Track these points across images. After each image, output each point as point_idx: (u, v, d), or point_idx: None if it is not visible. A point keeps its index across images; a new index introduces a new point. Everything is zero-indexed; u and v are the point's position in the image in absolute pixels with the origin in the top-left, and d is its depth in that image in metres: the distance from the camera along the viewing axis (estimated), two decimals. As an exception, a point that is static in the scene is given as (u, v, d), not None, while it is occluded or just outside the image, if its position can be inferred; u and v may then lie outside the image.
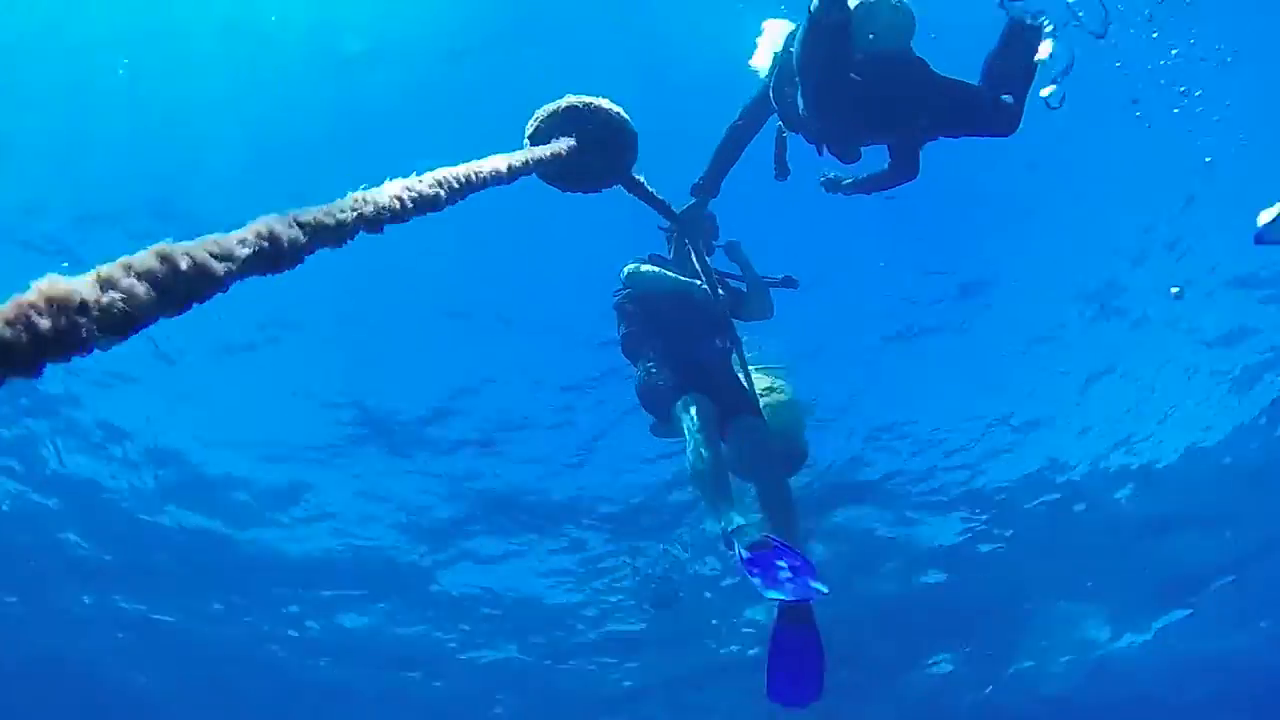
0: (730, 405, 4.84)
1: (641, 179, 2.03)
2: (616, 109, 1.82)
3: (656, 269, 5.21)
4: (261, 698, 15.94)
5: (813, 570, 3.74)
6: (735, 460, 4.78)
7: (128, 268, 0.61)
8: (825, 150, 4.55)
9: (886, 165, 4.71)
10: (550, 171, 1.74)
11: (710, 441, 4.50)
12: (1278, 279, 10.53)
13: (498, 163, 1.35)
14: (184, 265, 0.66)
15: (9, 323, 0.51)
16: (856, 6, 3.93)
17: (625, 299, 5.35)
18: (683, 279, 5.07)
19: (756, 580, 3.73)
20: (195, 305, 0.68)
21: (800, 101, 4.32)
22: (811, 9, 3.84)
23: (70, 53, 8.97)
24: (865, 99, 4.13)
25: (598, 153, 1.78)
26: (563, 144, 1.68)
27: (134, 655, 14.86)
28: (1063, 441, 12.26)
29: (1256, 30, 8.34)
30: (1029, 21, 4.08)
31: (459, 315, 11.06)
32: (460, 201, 1.22)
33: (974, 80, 4.23)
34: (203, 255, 0.68)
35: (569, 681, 15.52)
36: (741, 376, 4.98)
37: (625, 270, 5.32)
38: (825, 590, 3.66)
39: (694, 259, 4.78)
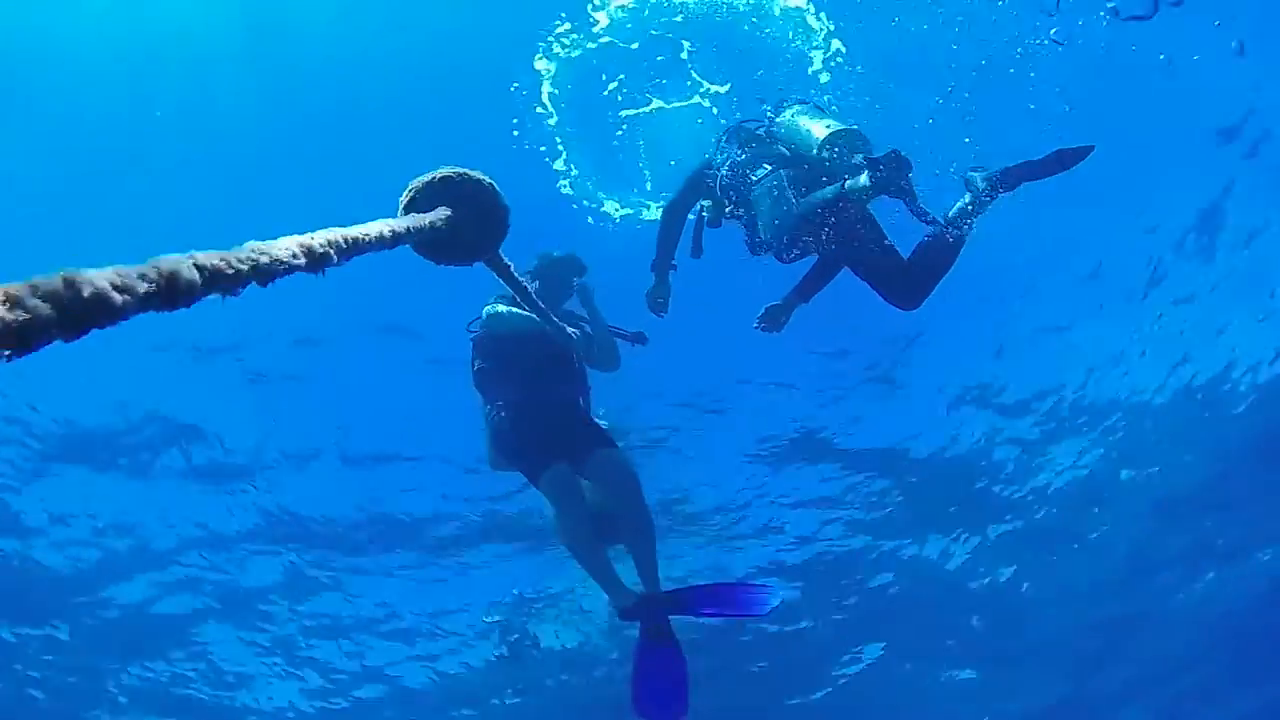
0: (583, 442, 5.05)
1: (508, 262, 2.09)
2: (489, 180, 1.87)
3: (515, 311, 5.32)
4: None
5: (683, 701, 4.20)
6: (599, 492, 4.98)
7: (34, 289, 0.61)
8: (761, 253, 5.01)
9: (814, 265, 5.20)
10: (424, 241, 1.77)
11: (577, 520, 4.71)
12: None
13: (382, 227, 1.37)
14: (86, 293, 0.66)
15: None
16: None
17: (483, 336, 5.45)
18: (536, 319, 5.11)
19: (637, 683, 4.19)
20: (92, 331, 0.68)
21: (767, 223, 4.70)
22: (852, 187, 4.20)
23: None
24: (834, 237, 4.65)
25: (471, 225, 1.82)
26: (440, 214, 1.71)
27: None
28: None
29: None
30: (964, 230, 4.61)
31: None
32: (345, 262, 1.23)
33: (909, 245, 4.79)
34: (104, 285, 0.68)
35: None
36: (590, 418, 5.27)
37: (484, 310, 5.45)
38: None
39: (533, 305, 4.94)
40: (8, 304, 0.58)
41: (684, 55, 7.47)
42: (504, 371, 5.35)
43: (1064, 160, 4.49)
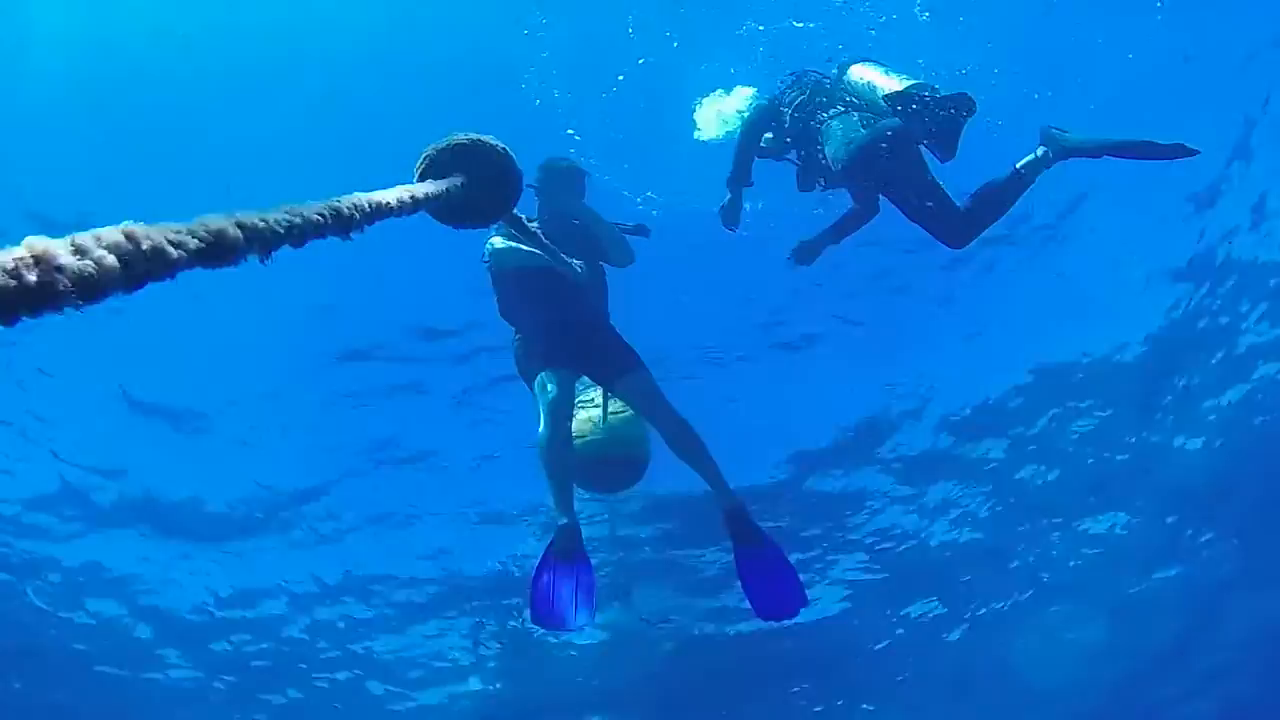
0: (610, 364, 5.12)
1: (523, 217, 2.12)
2: (502, 146, 1.89)
3: (510, 244, 5.35)
4: None
5: (588, 609, 4.16)
6: (637, 412, 5.18)
7: (98, 239, 0.63)
8: (815, 188, 5.49)
9: (851, 209, 5.60)
10: (439, 207, 1.79)
11: (554, 419, 4.78)
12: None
13: (402, 193, 1.40)
14: (145, 246, 0.69)
15: (5, 272, 0.53)
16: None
17: (493, 269, 5.52)
18: (529, 251, 5.16)
19: (535, 590, 4.15)
20: (149, 286, 0.71)
21: (839, 144, 5.02)
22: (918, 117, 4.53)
23: None
24: (891, 169, 4.96)
25: (485, 190, 1.85)
26: (454, 180, 1.73)
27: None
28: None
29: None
30: (1026, 179, 4.82)
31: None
32: (368, 227, 1.26)
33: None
34: (160, 239, 0.71)
35: None
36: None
37: (486, 245, 5.51)
38: (583, 627, 4.12)
39: (543, 247, 4.95)
40: (76, 252, 0.60)
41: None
42: (520, 302, 5.44)
43: (1166, 152, 4.59)
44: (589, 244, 5.55)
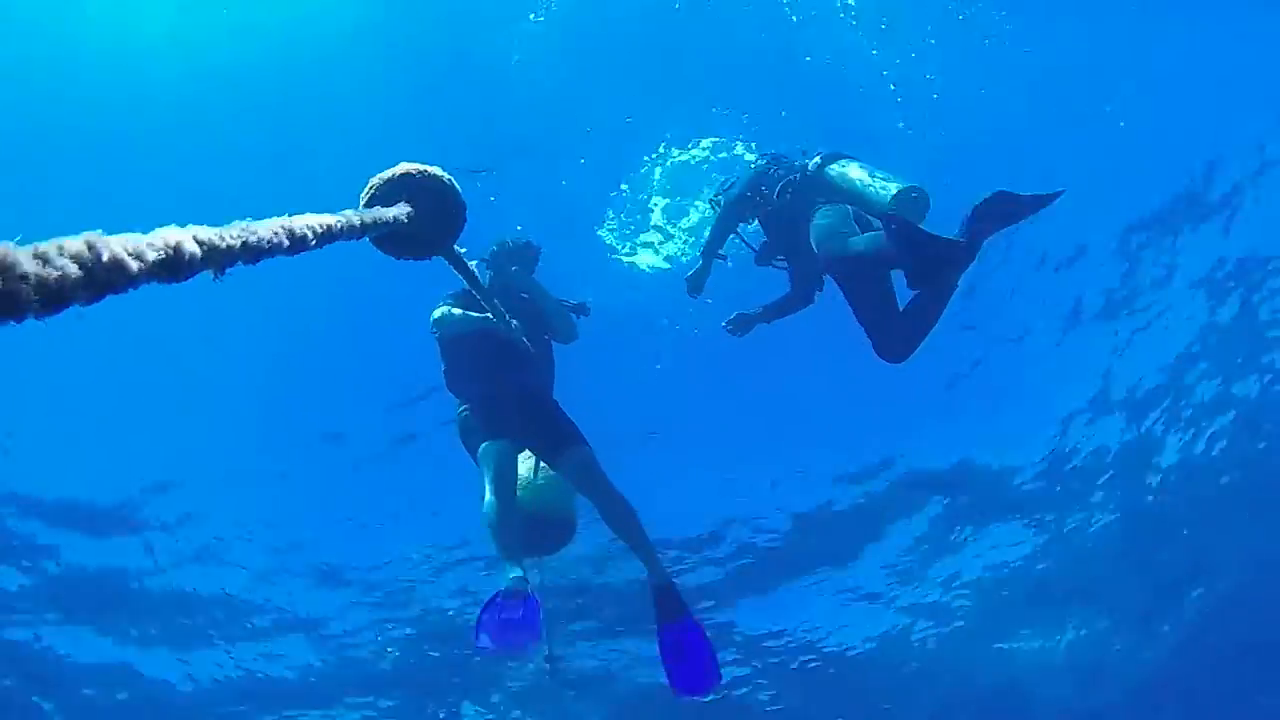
0: (553, 438, 5.19)
1: (462, 251, 2.10)
2: (448, 177, 1.88)
3: (456, 311, 5.37)
4: None
5: (533, 629, 4.28)
6: (576, 488, 5.21)
7: (61, 248, 0.61)
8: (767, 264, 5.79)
9: (790, 294, 5.84)
10: (384, 236, 1.77)
11: (499, 489, 4.85)
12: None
13: (352, 218, 1.38)
14: (105, 256, 0.67)
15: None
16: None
17: (439, 338, 5.52)
18: (478, 317, 5.24)
19: (482, 621, 4.27)
20: (109, 297, 0.68)
21: (826, 235, 5.03)
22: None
23: None
24: (861, 273, 4.96)
25: (429, 221, 1.83)
26: (401, 209, 1.72)
27: None
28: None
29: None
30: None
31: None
32: (319, 248, 1.24)
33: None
34: (120, 251, 0.69)
35: None
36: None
37: (432, 314, 5.51)
38: (536, 645, 4.26)
39: (485, 298, 5.01)
40: (39, 260, 0.58)
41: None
42: (465, 371, 5.45)
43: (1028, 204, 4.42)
44: (536, 318, 5.62)
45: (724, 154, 8.56)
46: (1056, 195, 4.48)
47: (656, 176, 8.90)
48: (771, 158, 5.80)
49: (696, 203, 8.79)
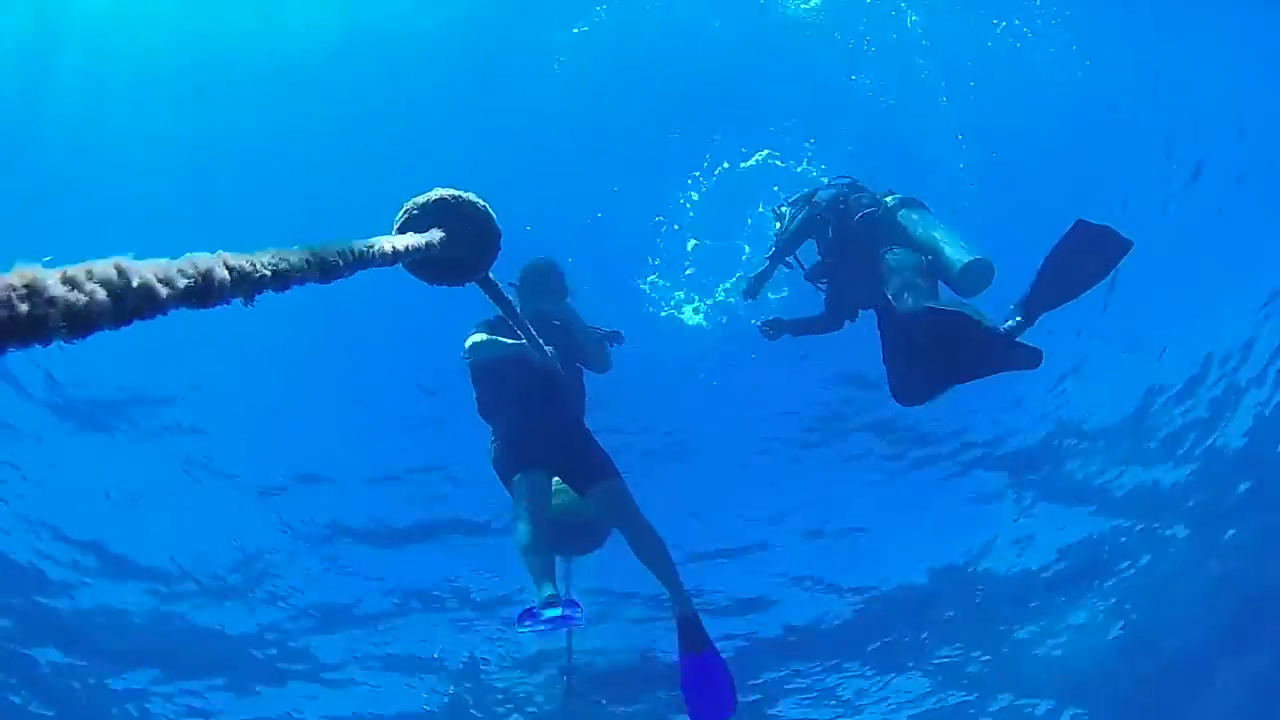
0: (583, 468, 5.25)
1: (498, 281, 2.11)
2: (483, 203, 1.88)
3: (492, 338, 5.39)
4: None
5: (574, 609, 4.46)
6: (606, 518, 5.35)
7: (89, 272, 0.62)
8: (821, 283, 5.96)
9: (822, 315, 6.01)
10: (418, 262, 1.78)
11: (533, 519, 4.95)
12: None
13: (384, 244, 1.39)
14: (135, 282, 0.67)
15: (-3, 302, 0.51)
16: None
17: (472, 365, 5.54)
18: (513, 344, 5.24)
19: (527, 627, 4.41)
20: (136, 322, 0.69)
21: (901, 284, 5.17)
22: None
23: None
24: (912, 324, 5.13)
25: (464, 247, 1.83)
26: (434, 235, 1.72)
27: None
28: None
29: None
30: None
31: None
32: (351, 275, 1.25)
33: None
34: (150, 276, 0.69)
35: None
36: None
37: (466, 341, 5.53)
38: (578, 620, 4.44)
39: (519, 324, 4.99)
40: (68, 285, 0.59)
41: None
42: (498, 398, 5.48)
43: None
44: (570, 347, 5.63)
45: (778, 164, 8.54)
46: (1126, 245, 4.58)
47: (696, 199, 8.92)
48: (852, 182, 5.90)
49: (745, 245, 8.80)
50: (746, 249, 8.76)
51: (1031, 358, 4.54)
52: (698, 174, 8.88)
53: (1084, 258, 4.60)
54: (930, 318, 4.72)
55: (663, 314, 9.13)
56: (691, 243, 9.07)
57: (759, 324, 6.20)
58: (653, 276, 9.18)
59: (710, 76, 9.70)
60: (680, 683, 4.76)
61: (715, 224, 9.02)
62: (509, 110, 10.02)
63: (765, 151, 8.51)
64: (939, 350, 4.77)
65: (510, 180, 9.41)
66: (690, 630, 4.78)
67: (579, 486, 5.28)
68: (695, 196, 8.95)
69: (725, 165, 8.75)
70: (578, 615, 4.44)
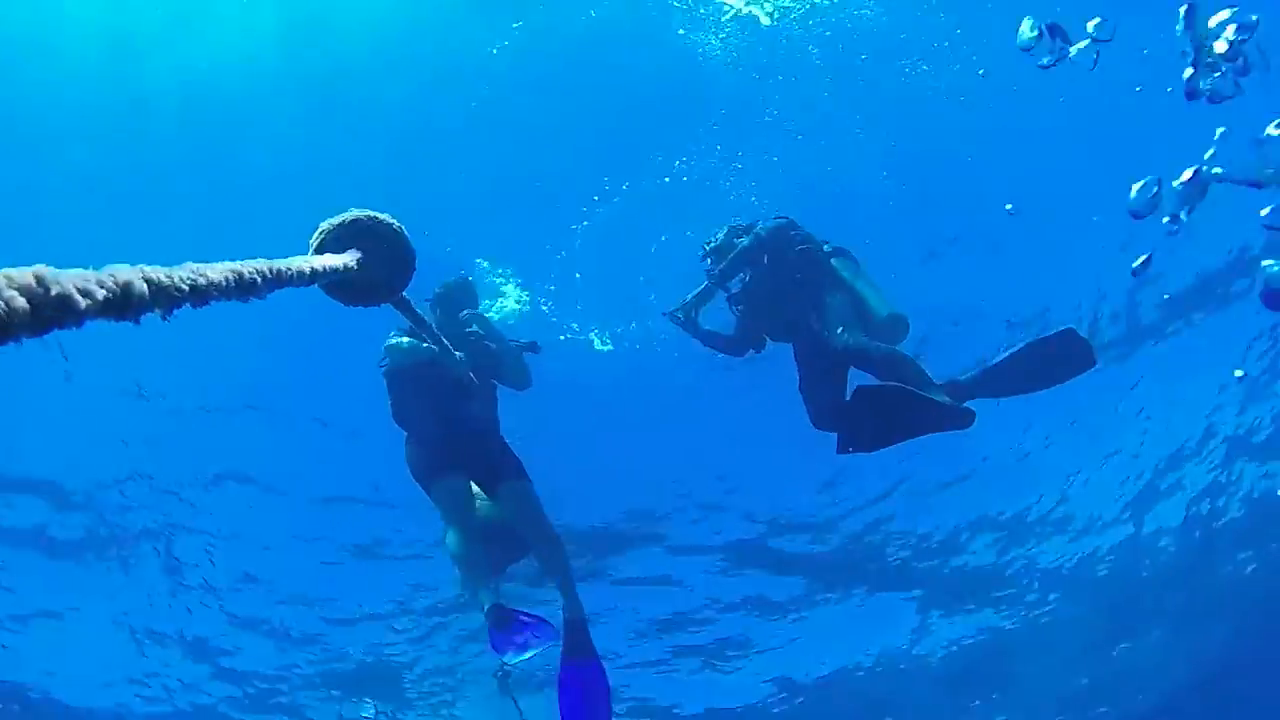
0: (494, 470, 5.37)
1: (411, 300, 2.09)
2: (398, 224, 1.87)
3: (411, 341, 5.44)
4: None
5: (546, 628, 4.62)
6: (512, 519, 5.36)
7: (9, 279, 0.60)
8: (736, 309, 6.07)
9: (732, 338, 6.11)
10: (335, 283, 1.76)
11: (461, 525, 5.10)
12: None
13: (302, 264, 1.38)
14: (54, 291, 0.66)
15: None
16: None
17: (389, 369, 5.57)
18: (425, 347, 5.32)
19: (496, 647, 4.51)
20: (55, 332, 0.67)
21: (837, 320, 5.49)
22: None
23: None
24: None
25: (380, 268, 1.82)
26: (351, 256, 1.71)
27: None
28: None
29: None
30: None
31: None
32: (267, 294, 1.23)
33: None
34: (69, 287, 0.68)
35: None
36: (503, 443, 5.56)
37: (385, 344, 5.61)
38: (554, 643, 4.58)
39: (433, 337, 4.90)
40: (-14, 292, 0.57)
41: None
42: (412, 401, 5.52)
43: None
44: (485, 359, 5.68)
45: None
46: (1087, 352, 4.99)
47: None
48: (789, 221, 6.04)
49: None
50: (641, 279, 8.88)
51: (963, 419, 4.72)
52: (596, 197, 8.92)
53: (1054, 362, 4.94)
54: (872, 391, 4.95)
55: (561, 338, 9.09)
56: (578, 275, 9.11)
57: (667, 313, 6.14)
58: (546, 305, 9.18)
59: (624, 104, 9.74)
60: (558, 687, 4.76)
61: (612, 252, 9.05)
62: (418, 130, 9.80)
63: (667, 178, 8.66)
64: (880, 415, 4.99)
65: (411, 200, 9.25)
66: (576, 635, 4.82)
67: (488, 487, 5.40)
68: (586, 224, 8.95)
69: (626, 186, 8.83)
70: (552, 634, 4.60)
